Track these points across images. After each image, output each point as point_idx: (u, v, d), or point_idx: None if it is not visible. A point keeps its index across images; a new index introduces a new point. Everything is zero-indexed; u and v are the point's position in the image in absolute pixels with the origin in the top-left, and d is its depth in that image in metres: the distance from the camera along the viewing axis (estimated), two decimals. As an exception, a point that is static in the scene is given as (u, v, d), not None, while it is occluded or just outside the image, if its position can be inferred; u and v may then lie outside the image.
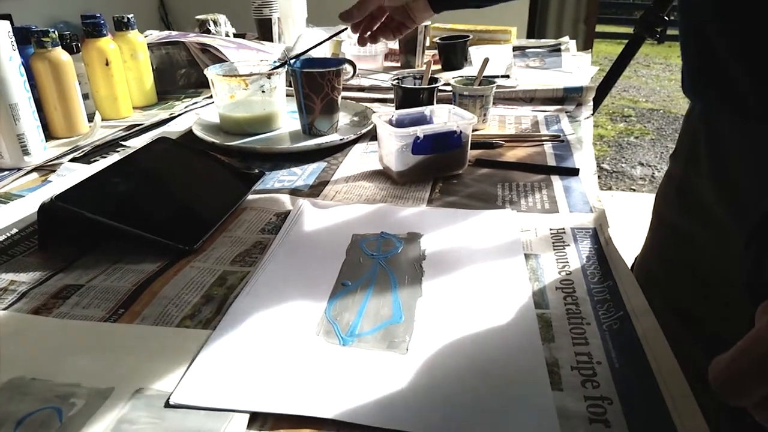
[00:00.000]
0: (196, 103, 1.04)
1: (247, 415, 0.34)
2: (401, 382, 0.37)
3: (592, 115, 0.96)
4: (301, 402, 0.35)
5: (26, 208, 0.62)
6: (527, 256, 0.52)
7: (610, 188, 2.88)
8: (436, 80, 0.87)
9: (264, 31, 1.34)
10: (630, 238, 0.93)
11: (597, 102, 1.07)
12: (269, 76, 0.83)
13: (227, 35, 1.31)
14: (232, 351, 0.40)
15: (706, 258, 0.27)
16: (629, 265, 0.50)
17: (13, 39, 0.70)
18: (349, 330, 0.42)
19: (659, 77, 5.15)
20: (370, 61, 1.26)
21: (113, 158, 0.78)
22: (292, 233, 0.56)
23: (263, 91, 0.84)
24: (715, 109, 0.53)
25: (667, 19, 1.26)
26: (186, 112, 0.99)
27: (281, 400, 0.35)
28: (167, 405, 0.35)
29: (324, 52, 1.24)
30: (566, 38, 1.44)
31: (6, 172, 0.73)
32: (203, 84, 1.11)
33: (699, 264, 0.56)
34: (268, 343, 0.41)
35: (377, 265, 0.51)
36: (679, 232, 0.60)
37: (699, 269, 0.56)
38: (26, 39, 0.82)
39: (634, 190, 2.89)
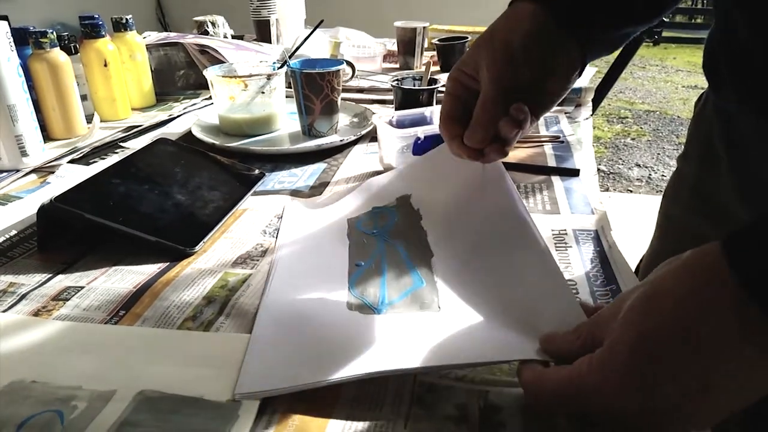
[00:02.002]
0: (195, 104, 1.04)
1: (252, 417, 0.34)
2: (442, 332, 0.39)
3: (591, 115, 0.96)
4: (358, 365, 0.36)
5: (25, 209, 0.61)
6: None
7: (607, 189, 2.88)
8: (435, 81, 0.87)
9: (262, 32, 1.33)
10: (628, 240, 0.93)
11: (596, 103, 1.07)
12: (269, 77, 0.83)
13: (225, 37, 1.30)
14: (276, 340, 0.40)
15: None
16: (633, 268, 0.50)
17: (11, 40, 0.70)
18: (379, 301, 0.44)
19: (655, 79, 5.17)
20: (369, 63, 1.26)
21: (112, 160, 0.78)
22: (290, 234, 0.56)
23: (263, 92, 0.84)
24: (738, 106, 0.52)
25: (665, 20, 1.26)
26: (185, 113, 0.99)
27: (339, 368, 0.36)
28: (232, 399, 0.35)
29: (323, 53, 1.24)
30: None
31: (4, 174, 0.72)
32: (202, 85, 1.11)
33: None
34: (308, 326, 0.42)
35: (382, 241, 0.51)
36: (692, 234, 0.59)
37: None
38: (24, 40, 0.81)
39: (630, 191, 2.89)
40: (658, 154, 3.36)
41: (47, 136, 0.84)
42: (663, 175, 3.03)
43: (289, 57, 0.87)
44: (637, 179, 3.03)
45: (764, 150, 0.49)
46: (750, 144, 0.51)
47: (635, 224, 1.83)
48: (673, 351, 0.26)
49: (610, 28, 0.46)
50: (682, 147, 0.64)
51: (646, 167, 3.18)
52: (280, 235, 0.56)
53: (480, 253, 0.47)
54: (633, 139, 3.64)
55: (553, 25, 0.43)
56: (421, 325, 0.41)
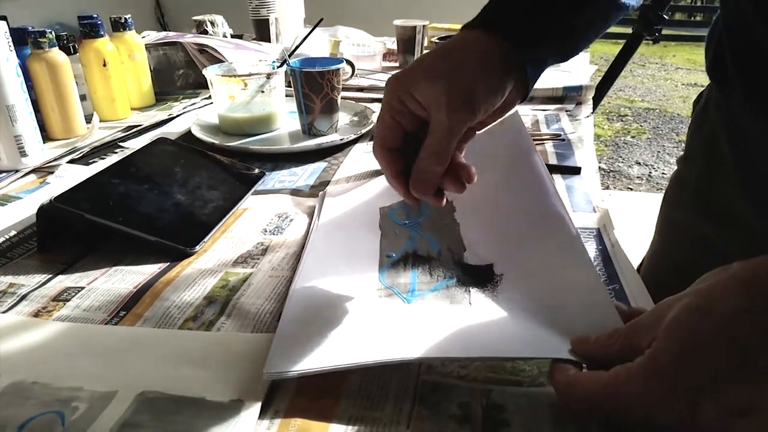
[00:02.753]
0: (194, 103, 1.03)
1: (255, 417, 0.34)
2: (472, 325, 0.39)
3: (592, 113, 0.96)
4: (386, 351, 0.36)
5: (25, 209, 0.61)
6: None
7: (607, 187, 2.88)
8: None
9: (261, 31, 1.33)
10: (629, 238, 0.93)
11: (596, 101, 1.07)
12: (268, 76, 0.83)
13: (225, 36, 1.30)
14: (306, 321, 0.40)
15: (726, 263, 0.27)
16: (635, 267, 0.50)
17: (10, 40, 0.70)
18: (409, 291, 0.44)
19: (655, 77, 5.16)
20: (368, 61, 1.26)
21: (112, 159, 0.78)
22: (321, 224, 0.56)
23: (262, 92, 0.83)
24: (744, 105, 0.51)
25: (666, 17, 1.26)
26: (184, 112, 0.99)
27: (367, 353, 0.36)
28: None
29: (323, 52, 1.24)
30: (564, 38, 1.44)
31: (3, 174, 0.72)
32: (201, 85, 1.11)
33: (715, 264, 0.55)
34: (337, 309, 0.42)
35: (414, 233, 0.51)
36: (694, 236, 0.59)
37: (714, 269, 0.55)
38: (23, 40, 0.81)
39: (631, 189, 2.89)
40: (658, 151, 3.36)
41: (46, 137, 0.84)
42: (663, 173, 3.03)
43: (289, 56, 0.86)
44: (638, 177, 3.03)
45: None
46: (757, 144, 0.50)
47: (636, 222, 1.83)
48: (721, 367, 0.25)
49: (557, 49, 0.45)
50: (683, 145, 0.64)
51: (647, 165, 3.17)
52: (317, 221, 0.56)
53: (514, 248, 0.46)
54: (633, 137, 3.64)
55: (509, 52, 0.40)
56: (451, 317, 0.41)
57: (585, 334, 0.34)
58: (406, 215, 0.54)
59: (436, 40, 1.23)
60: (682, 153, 0.65)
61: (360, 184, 0.62)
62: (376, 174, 0.72)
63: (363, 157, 0.78)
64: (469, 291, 0.44)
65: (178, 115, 0.97)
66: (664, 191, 0.67)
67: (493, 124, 0.46)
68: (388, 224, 0.53)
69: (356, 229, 0.54)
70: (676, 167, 0.66)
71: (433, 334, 0.38)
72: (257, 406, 0.35)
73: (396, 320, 0.40)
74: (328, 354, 0.36)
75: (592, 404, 0.30)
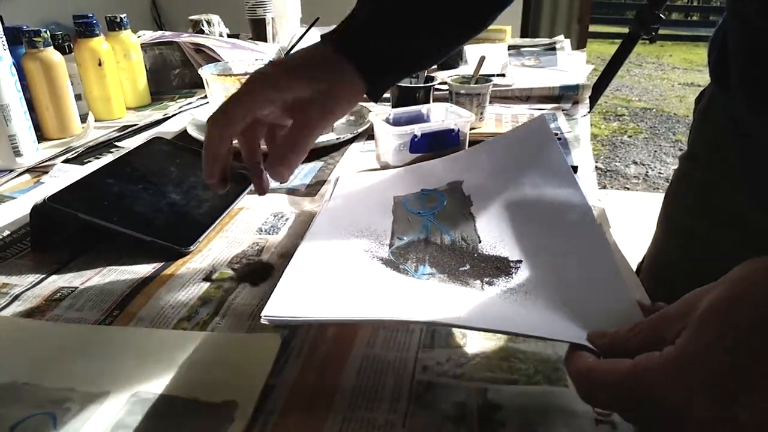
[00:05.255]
0: (190, 103, 1.03)
1: (248, 417, 0.34)
2: (483, 303, 0.39)
3: (589, 113, 0.96)
4: (385, 310, 0.36)
5: (18, 209, 0.61)
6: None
7: (604, 187, 2.88)
8: (432, 79, 0.87)
9: (258, 31, 1.33)
10: (626, 237, 0.93)
11: (593, 100, 1.07)
12: (264, 75, 0.83)
13: (221, 35, 1.30)
14: (310, 274, 0.41)
15: (730, 263, 0.27)
16: (633, 266, 0.49)
17: (4, 39, 0.69)
18: (419, 270, 0.44)
19: (651, 76, 5.17)
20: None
21: (107, 159, 0.78)
22: (334, 197, 0.56)
23: (258, 91, 0.83)
24: (749, 107, 0.51)
25: (662, 17, 1.26)
26: (180, 112, 0.98)
27: (370, 309, 0.36)
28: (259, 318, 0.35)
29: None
30: (561, 37, 1.44)
31: (-3, 174, 0.72)
32: (197, 84, 1.10)
33: (720, 268, 0.55)
34: (343, 267, 0.42)
35: (427, 222, 0.50)
36: (695, 235, 0.58)
37: (717, 270, 0.55)
38: (17, 39, 0.81)
39: (628, 188, 2.90)
40: (655, 151, 3.37)
41: (41, 136, 0.84)
42: (660, 173, 3.03)
43: (285, 55, 0.86)
44: (634, 177, 3.03)
45: None
46: (760, 144, 0.50)
47: (633, 222, 1.83)
48: (760, 358, 0.24)
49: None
50: (679, 144, 0.64)
51: (643, 164, 3.18)
52: (328, 199, 0.57)
53: (531, 243, 0.46)
54: (630, 136, 3.65)
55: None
56: (462, 294, 0.40)
57: (603, 330, 0.33)
58: (421, 206, 0.53)
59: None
60: (681, 151, 0.64)
61: (373, 175, 0.62)
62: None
63: (359, 156, 0.78)
64: (483, 278, 0.43)
65: (173, 115, 0.97)
66: (663, 190, 0.67)
67: (519, 126, 0.50)
68: (401, 211, 0.53)
69: (368, 212, 0.53)
70: (672, 167, 0.66)
71: (442, 304, 0.37)
72: (251, 407, 0.34)
73: (403, 287, 0.40)
74: (330, 306, 0.36)
75: (612, 393, 0.28)
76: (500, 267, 0.44)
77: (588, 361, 0.30)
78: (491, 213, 0.50)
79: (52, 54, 0.80)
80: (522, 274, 0.43)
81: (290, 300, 0.37)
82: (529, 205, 0.49)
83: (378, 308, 0.36)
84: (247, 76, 0.44)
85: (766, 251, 0.27)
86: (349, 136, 0.82)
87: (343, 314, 0.35)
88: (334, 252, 0.44)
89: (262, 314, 0.35)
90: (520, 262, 0.45)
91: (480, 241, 0.47)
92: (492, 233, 0.48)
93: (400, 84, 0.86)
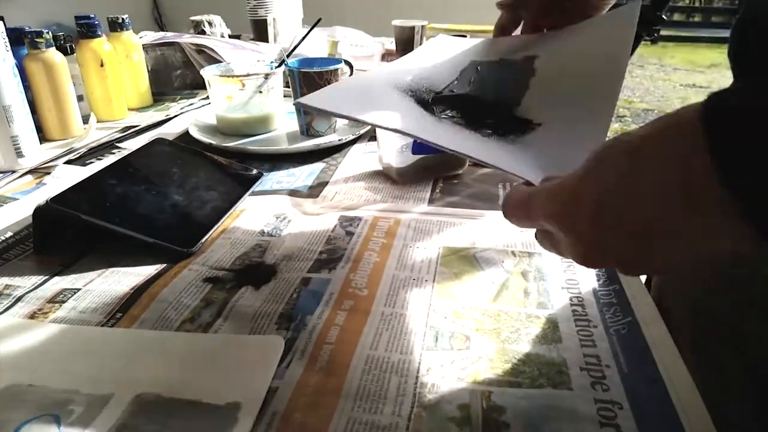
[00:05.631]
0: (192, 104, 1.03)
1: (252, 420, 0.33)
2: (480, 137, 0.43)
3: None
4: (397, 122, 0.39)
5: (21, 210, 0.61)
6: (530, 254, 0.51)
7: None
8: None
9: (259, 31, 1.33)
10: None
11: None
12: (266, 76, 0.83)
13: (222, 36, 1.30)
14: (346, 89, 0.48)
15: (733, 255, 0.28)
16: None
17: (7, 40, 0.69)
18: (444, 112, 0.47)
19: (653, 77, 5.17)
20: (366, 62, 1.26)
21: (109, 160, 0.78)
22: (405, 57, 0.58)
23: (260, 92, 0.83)
24: None
25: (664, 18, 1.26)
26: (182, 113, 0.98)
27: (387, 119, 0.40)
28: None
29: (321, 52, 1.24)
30: (563, 38, 1.44)
31: (0, 175, 0.72)
32: (199, 85, 1.10)
33: (724, 262, 0.55)
34: (375, 93, 0.46)
35: (485, 84, 0.52)
36: None
37: (723, 267, 0.55)
38: (20, 40, 0.81)
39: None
40: (656, 152, 3.36)
41: (43, 137, 0.84)
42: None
43: (287, 56, 0.86)
44: (636, 178, 3.03)
45: None
46: None
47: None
48: (584, 218, 0.28)
49: None
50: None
51: (645, 165, 3.17)
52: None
53: (557, 112, 0.46)
54: (631, 137, 3.65)
55: None
56: (468, 132, 0.43)
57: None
58: (493, 73, 0.54)
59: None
60: None
61: (461, 40, 0.63)
62: (375, 174, 0.71)
63: (361, 157, 0.78)
64: (498, 130, 0.44)
65: (175, 116, 0.97)
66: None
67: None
68: (468, 71, 0.54)
69: (435, 67, 0.55)
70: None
71: (445, 130, 0.42)
72: (255, 408, 0.34)
73: (415, 112, 0.44)
74: (355, 108, 0.40)
75: (516, 210, 0.33)
76: (518, 125, 0.45)
77: (518, 188, 0.34)
78: (545, 86, 0.49)
79: (54, 55, 0.80)
80: (534, 135, 0.43)
81: (322, 97, 0.42)
82: (575, 76, 0.48)
83: (393, 119, 0.40)
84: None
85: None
86: (352, 137, 0.82)
87: (354, 114, 0.39)
88: (379, 82, 0.49)
89: (294, 101, 0.43)
90: (539, 125, 0.44)
91: (519, 105, 0.47)
92: (534, 101, 0.47)
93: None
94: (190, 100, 1.05)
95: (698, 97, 0.62)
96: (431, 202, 0.64)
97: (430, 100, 0.48)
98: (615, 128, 3.80)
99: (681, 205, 0.24)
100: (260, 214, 0.61)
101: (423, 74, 0.53)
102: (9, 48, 0.70)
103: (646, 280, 0.67)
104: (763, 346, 0.47)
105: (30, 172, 0.74)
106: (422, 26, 1.25)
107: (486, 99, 0.49)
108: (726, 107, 0.22)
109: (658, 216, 0.25)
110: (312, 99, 0.40)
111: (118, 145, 0.84)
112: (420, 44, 1.26)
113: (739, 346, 0.49)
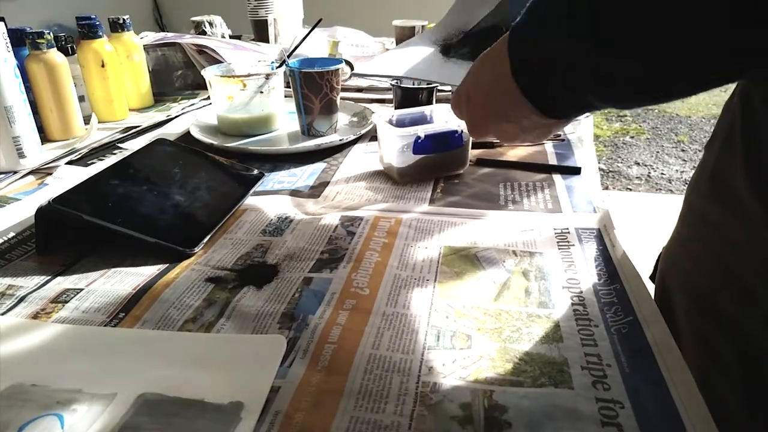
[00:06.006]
0: (193, 104, 1.03)
1: (255, 419, 0.34)
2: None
3: (591, 113, 0.96)
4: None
5: (23, 211, 0.61)
6: (531, 254, 0.52)
7: (606, 188, 2.88)
8: (435, 80, 0.87)
9: (260, 32, 1.33)
10: (629, 238, 0.93)
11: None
12: (267, 76, 0.83)
13: (223, 37, 1.30)
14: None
15: (730, 242, 0.31)
16: (635, 263, 0.49)
17: (8, 41, 0.69)
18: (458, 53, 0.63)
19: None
20: (367, 62, 1.26)
21: (110, 161, 0.78)
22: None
23: (261, 92, 0.83)
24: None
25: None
26: (183, 113, 0.98)
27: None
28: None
29: (321, 52, 1.24)
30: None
31: (2, 176, 0.72)
32: (200, 85, 1.11)
33: (724, 249, 0.55)
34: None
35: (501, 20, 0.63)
36: (707, 220, 0.59)
37: (723, 254, 0.55)
38: (21, 41, 0.81)
39: (630, 189, 2.89)
40: (657, 152, 3.36)
41: (45, 138, 0.84)
42: (662, 173, 3.03)
43: (288, 56, 0.86)
44: (637, 177, 3.03)
45: None
46: (763, 135, 0.50)
47: (635, 222, 1.82)
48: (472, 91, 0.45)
49: None
50: (682, 145, 0.64)
51: (646, 165, 3.17)
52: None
53: None
54: (632, 137, 3.64)
55: None
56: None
57: None
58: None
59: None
60: (684, 152, 0.65)
61: None
62: (376, 174, 0.71)
63: (362, 157, 0.78)
64: None
65: (176, 116, 0.97)
66: (666, 191, 0.67)
67: None
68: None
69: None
70: (675, 167, 0.66)
71: (441, 67, 0.60)
72: (258, 407, 0.34)
73: (433, 60, 0.61)
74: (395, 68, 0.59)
75: (455, 97, 0.48)
76: None
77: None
78: None
79: (55, 55, 0.81)
80: None
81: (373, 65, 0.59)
82: None
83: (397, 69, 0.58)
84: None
85: (759, 235, 0.35)
86: (353, 137, 0.82)
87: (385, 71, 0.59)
88: (417, 42, 0.64)
89: (355, 71, 0.62)
90: None
91: None
92: None
93: (402, 86, 0.86)
94: (191, 101, 1.05)
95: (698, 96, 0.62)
96: (432, 201, 0.64)
97: (453, 43, 0.60)
98: (615, 128, 3.80)
99: (499, 90, 0.40)
100: (262, 214, 0.61)
101: (460, 18, 0.63)
102: (10, 49, 0.70)
103: (652, 271, 0.67)
104: (755, 332, 0.48)
105: (32, 172, 0.74)
106: (422, 26, 1.26)
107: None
108: (513, 39, 0.38)
109: (489, 96, 0.42)
110: (365, 68, 0.50)
111: (119, 145, 0.84)
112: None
113: (732, 330, 0.51)
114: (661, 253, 0.69)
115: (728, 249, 0.54)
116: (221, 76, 0.83)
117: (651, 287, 0.55)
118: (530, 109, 0.39)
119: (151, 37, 1.13)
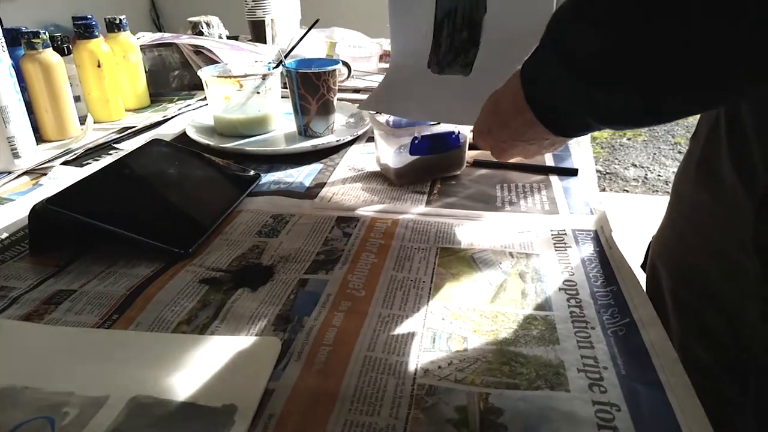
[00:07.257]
0: (189, 105, 1.03)
1: (248, 422, 0.33)
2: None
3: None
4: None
5: (17, 211, 0.61)
6: (528, 256, 0.51)
7: (603, 190, 2.88)
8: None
9: (257, 32, 1.33)
10: (625, 240, 0.93)
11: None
12: (264, 77, 0.83)
13: (220, 37, 1.30)
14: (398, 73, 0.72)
15: (717, 225, 0.42)
16: (632, 264, 0.49)
17: (3, 40, 0.69)
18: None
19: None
20: (364, 63, 1.26)
21: (106, 161, 0.77)
22: None
23: (258, 93, 0.83)
24: None
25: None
26: (179, 114, 0.98)
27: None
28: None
29: (319, 53, 1.24)
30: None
31: (-4, 176, 0.72)
32: (197, 86, 1.10)
33: (710, 225, 0.57)
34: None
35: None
36: (694, 205, 0.60)
37: (709, 229, 0.57)
38: (16, 40, 0.81)
39: (627, 191, 2.89)
40: (654, 153, 3.37)
41: (40, 138, 0.83)
42: (659, 175, 3.03)
43: (285, 57, 0.86)
44: (634, 179, 3.03)
45: (757, 127, 0.49)
46: (745, 121, 0.51)
47: (632, 224, 1.83)
48: (489, 122, 0.51)
49: None
50: (678, 147, 0.64)
51: (642, 167, 3.18)
52: None
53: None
54: (629, 139, 3.65)
55: None
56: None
57: None
58: None
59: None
60: (680, 153, 0.65)
61: None
62: (373, 175, 0.71)
63: (359, 158, 0.78)
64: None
65: (173, 117, 0.96)
66: (663, 192, 0.68)
67: None
68: None
69: None
70: (672, 169, 0.67)
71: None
72: (251, 411, 0.34)
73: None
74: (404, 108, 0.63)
75: (476, 126, 0.53)
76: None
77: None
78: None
79: (50, 55, 0.80)
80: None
81: (379, 97, 0.66)
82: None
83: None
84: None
85: (742, 218, 0.41)
86: (349, 138, 0.82)
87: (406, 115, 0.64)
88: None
89: (358, 107, 0.62)
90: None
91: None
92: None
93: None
94: (188, 101, 1.04)
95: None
96: (429, 203, 0.64)
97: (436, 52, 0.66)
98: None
99: (514, 113, 0.45)
100: (258, 215, 0.61)
101: (410, 30, 0.68)
102: (5, 48, 0.69)
103: (643, 260, 0.68)
104: (736, 302, 0.52)
105: (26, 173, 0.74)
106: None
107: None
108: (525, 71, 0.44)
109: (509, 125, 0.47)
110: (369, 105, 0.53)
111: (115, 146, 0.84)
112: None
113: (717, 302, 0.55)
114: (650, 242, 0.70)
115: (714, 224, 0.57)
116: (218, 77, 0.82)
117: (642, 277, 0.56)
118: (548, 131, 0.44)
119: (148, 37, 1.12)
